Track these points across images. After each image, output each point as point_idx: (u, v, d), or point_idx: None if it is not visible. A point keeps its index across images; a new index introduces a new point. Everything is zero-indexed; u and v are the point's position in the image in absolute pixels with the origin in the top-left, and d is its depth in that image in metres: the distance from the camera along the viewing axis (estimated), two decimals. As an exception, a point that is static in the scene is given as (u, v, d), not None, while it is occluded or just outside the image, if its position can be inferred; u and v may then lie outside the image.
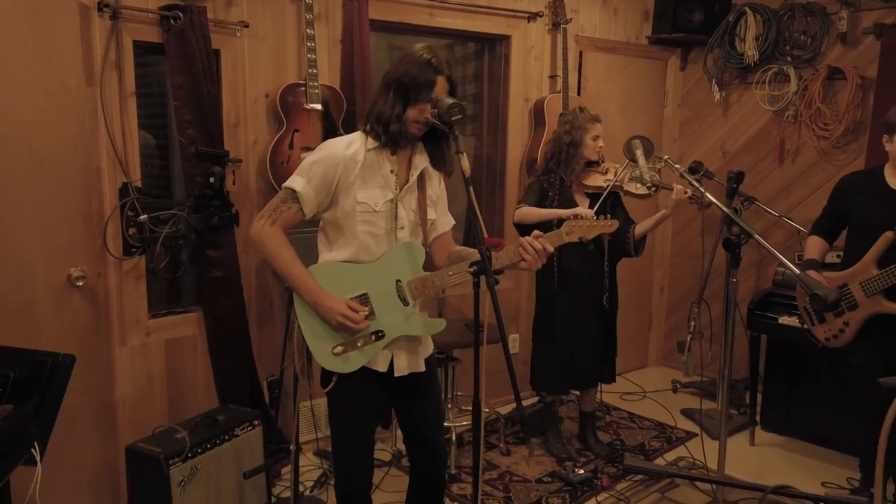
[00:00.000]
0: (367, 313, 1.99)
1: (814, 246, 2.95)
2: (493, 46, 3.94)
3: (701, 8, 4.15)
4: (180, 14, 2.70)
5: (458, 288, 2.09)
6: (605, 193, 3.10)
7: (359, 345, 2.00)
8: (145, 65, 2.87)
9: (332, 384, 2.04)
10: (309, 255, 2.14)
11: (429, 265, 2.11)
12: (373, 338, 2.01)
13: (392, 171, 2.01)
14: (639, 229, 3.26)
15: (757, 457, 3.47)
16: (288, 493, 2.97)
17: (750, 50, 4.01)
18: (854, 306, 2.75)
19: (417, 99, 1.91)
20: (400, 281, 2.02)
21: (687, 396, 4.21)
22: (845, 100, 3.72)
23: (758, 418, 3.70)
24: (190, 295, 3.13)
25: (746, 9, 4.02)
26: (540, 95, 3.92)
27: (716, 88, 4.27)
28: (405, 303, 2.03)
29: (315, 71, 3.03)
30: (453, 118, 1.84)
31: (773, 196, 4.11)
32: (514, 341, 4.08)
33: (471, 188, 1.85)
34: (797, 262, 3.00)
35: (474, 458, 1.87)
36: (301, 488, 2.96)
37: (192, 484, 2.58)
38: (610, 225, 2.19)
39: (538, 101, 3.89)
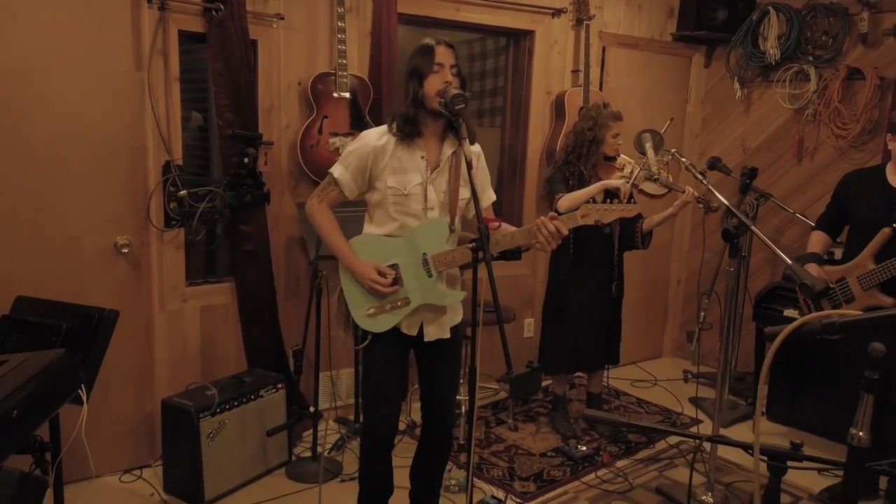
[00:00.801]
0: (393, 278, 2.20)
1: (816, 240, 3.05)
2: (517, 41, 4.09)
3: (725, 6, 4.23)
4: (221, 6, 2.93)
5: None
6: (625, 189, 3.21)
7: (387, 308, 2.23)
8: (188, 52, 3.12)
9: (368, 341, 2.26)
10: (354, 231, 2.36)
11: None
12: (399, 303, 2.23)
13: (423, 157, 2.21)
14: (646, 224, 3.40)
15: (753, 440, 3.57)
16: (307, 454, 3.21)
17: (772, 49, 4.08)
18: (851, 299, 2.84)
19: (426, 73, 2.11)
20: (426, 254, 2.22)
21: (702, 388, 4.31)
22: (863, 99, 3.77)
23: (763, 409, 3.80)
24: (223, 266, 3.38)
25: (770, 8, 4.09)
26: (561, 89, 4.06)
27: (737, 86, 4.34)
28: (430, 274, 2.23)
29: (345, 61, 3.23)
30: (457, 107, 2.03)
31: (791, 193, 4.18)
32: (529, 325, 4.25)
33: (471, 171, 2.04)
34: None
35: (469, 395, 2.06)
36: (320, 449, 3.19)
37: (219, 437, 2.83)
38: (630, 210, 2.31)
39: (559, 94, 4.03)
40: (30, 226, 2.66)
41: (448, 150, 2.24)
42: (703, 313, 3.76)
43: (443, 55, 2.12)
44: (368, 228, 2.32)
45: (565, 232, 2.12)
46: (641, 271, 4.46)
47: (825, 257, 3.08)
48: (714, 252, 4.57)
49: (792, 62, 4.07)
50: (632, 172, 3.27)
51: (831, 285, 2.87)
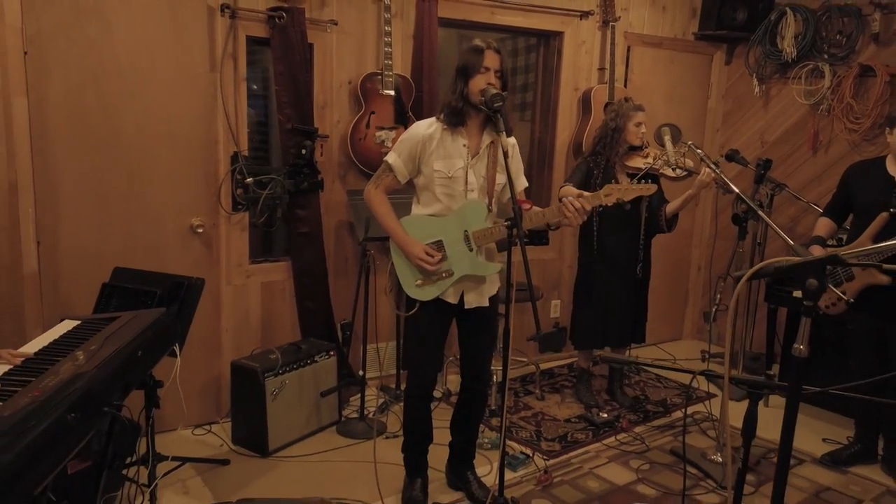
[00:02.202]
0: (440, 258, 2.55)
1: (822, 225, 3.31)
2: (547, 41, 4.40)
3: (745, 7, 4.48)
4: (283, 14, 3.30)
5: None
6: (640, 174, 3.51)
7: (434, 279, 2.57)
8: (253, 54, 3.49)
9: (416, 309, 2.62)
10: (401, 215, 2.70)
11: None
12: (444, 275, 2.58)
13: (465, 146, 2.55)
14: (669, 208, 3.68)
15: (768, 416, 3.84)
16: (355, 415, 3.58)
17: (789, 47, 4.33)
18: (851, 277, 3.11)
19: (474, 72, 2.44)
20: (467, 231, 2.56)
21: (714, 364, 4.59)
22: (874, 95, 4.00)
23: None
24: (281, 247, 3.75)
25: (787, 9, 4.33)
26: (588, 86, 4.36)
27: (756, 82, 4.59)
28: (471, 248, 2.57)
29: (390, 62, 3.58)
30: (495, 104, 2.36)
31: (807, 184, 4.42)
32: (556, 306, 4.57)
33: (507, 160, 2.38)
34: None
35: (503, 363, 2.40)
36: (365, 411, 3.55)
37: (281, 395, 3.21)
38: (648, 189, 2.63)
39: (586, 90, 4.33)
40: (121, 207, 3.07)
41: (487, 139, 2.57)
42: (718, 296, 4.05)
43: (490, 59, 2.45)
44: (416, 209, 2.67)
45: (588, 208, 2.45)
46: (664, 257, 4.74)
47: (832, 242, 3.35)
48: (731, 239, 4.85)
49: (808, 60, 4.31)
50: (655, 158, 3.54)
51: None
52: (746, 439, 1.80)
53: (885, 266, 2.86)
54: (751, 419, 1.78)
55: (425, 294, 2.59)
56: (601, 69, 4.40)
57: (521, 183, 2.73)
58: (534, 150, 4.57)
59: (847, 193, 3.23)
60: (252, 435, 3.21)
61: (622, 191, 2.50)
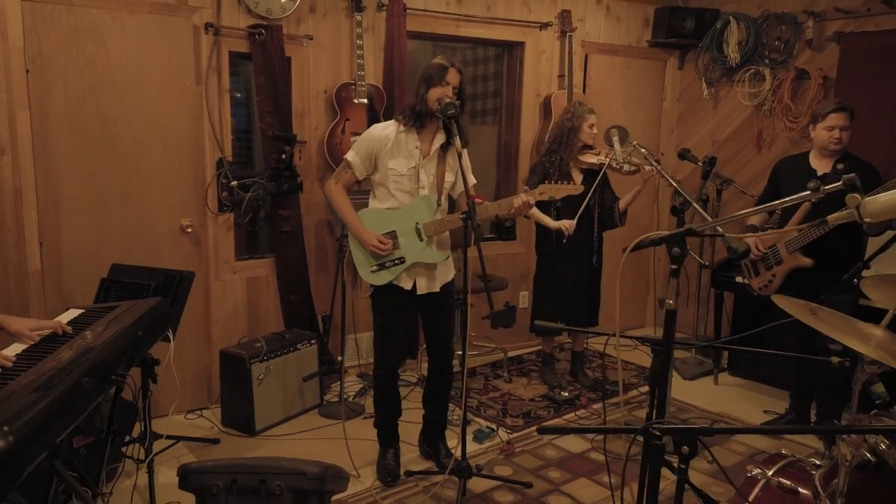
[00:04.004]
0: (390, 246, 2.86)
1: (756, 216, 3.65)
2: (510, 51, 4.73)
3: (693, 16, 4.84)
4: (263, 31, 3.60)
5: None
6: (600, 174, 3.81)
7: (387, 266, 2.88)
8: (236, 67, 3.79)
9: (371, 292, 2.94)
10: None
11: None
12: (396, 261, 2.88)
13: (417, 147, 2.86)
14: (621, 204, 4.01)
15: (717, 392, 4.21)
16: (336, 399, 3.87)
17: (733, 53, 4.69)
18: (780, 261, 3.46)
19: (436, 83, 2.76)
20: (418, 223, 2.87)
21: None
22: (810, 96, 4.37)
23: (725, 365, 4.42)
24: (266, 245, 4.05)
25: (731, 17, 4.69)
26: (549, 91, 4.69)
27: (705, 86, 4.95)
28: (421, 238, 2.88)
29: (363, 73, 3.89)
30: (448, 112, 2.68)
31: (753, 179, 4.77)
32: (524, 298, 4.89)
33: (461, 160, 2.70)
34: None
35: (462, 344, 2.71)
36: (345, 395, 3.85)
37: (266, 380, 3.50)
38: (575, 188, 2.99)
39: (547, 96, 4.66)
40: (117, 210, 3.35)
41: (438, 142, 2.89)
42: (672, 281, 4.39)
43: (452, 76, 2.77)
44: (372, 203, 2.97)
45: (532, 202, 2.79)
46: (622, 248, 5.07)
47: (769, 225, 3.70)
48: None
49: (750, 65, 4.67)
50: (606, 156, 3.88)
51: (763, 249, 3.50)
52: (652, 391, 2.10)
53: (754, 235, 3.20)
54: (656, 375, 2.08)
55: (379, 279, 2.90)
56: (561, 76, 4.73)
57: (471, 180, 3.03)
58: (500, 152, 4.90)
59: (776, 185, 3.58)
60: (240, 417, 3.50)
61: (552, 189, 2.86)
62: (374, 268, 2.89)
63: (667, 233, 1.65)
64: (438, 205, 2.93)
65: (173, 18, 3.40)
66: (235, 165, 3.77)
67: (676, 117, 5.28)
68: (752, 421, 3.73)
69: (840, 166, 3.38)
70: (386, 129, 2.88)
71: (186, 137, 3.51)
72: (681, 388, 4.25)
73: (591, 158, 3.92)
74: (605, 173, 3.87)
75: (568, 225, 3.81)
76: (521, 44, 4.62)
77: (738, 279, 4.06)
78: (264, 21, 3.66)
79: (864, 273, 2.56)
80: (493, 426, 3.58)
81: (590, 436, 3.51)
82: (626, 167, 3.77)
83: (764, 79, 4.60)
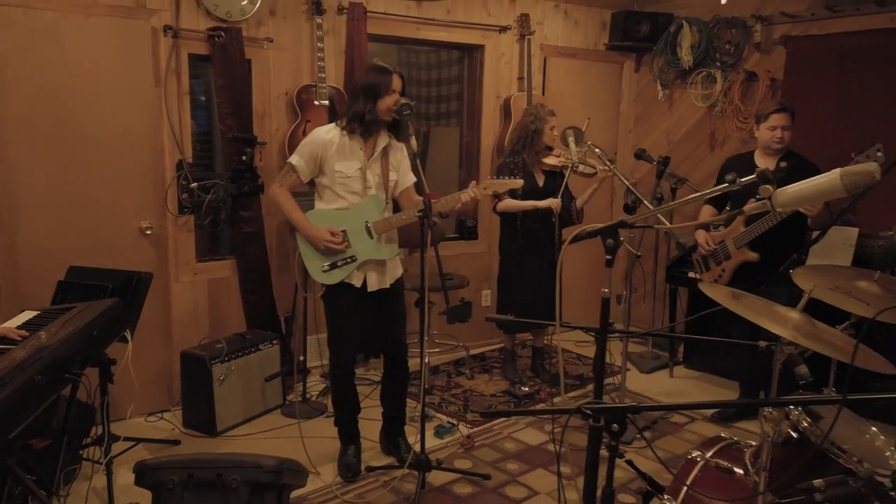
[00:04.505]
0: (342, 238, 2.90)
1: (706, 212, 3.80)
2: (470, 54, 4.81)
3: (648, 20, 4.98)
4: (223, 33, 3.62)
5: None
6: (567, 175, 3.90)
7: (338, 265, 2.93)
8: (196, 69, 3.80)
9: (324, 291, 2.97)
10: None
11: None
12: (348, 260, 2.93)
13: (361, 149, 2.92)
14: (578, 202, 4.11)
15: (672, 384, 4.34)
16: (299, 399, 3.90)
17: (686, 56, 4.83)
18: (728, 256, 3.59)
19: (383, 94, 2.81)
20: (368, 221, 2.93)
21: (631, 343, 5.05)
22: (759, 97, 4.53)
23: (681, 358, 4.55)
24: (227, 246, 4.06)
25: (684, 21, 4.84)
26: (509, 94, 4.78)
27: (660, 88, 5.09)
28: (371, 236, 2.94)
29: (324, 75, 3.93)
30: (404, 113, 2.74)
31: (707, 177, 4.91)
32: (487, 296, 4.97)
33: (417, 160, 2.77)
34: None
35: (420, 340, 2.77)
36: (308, 395, 3.88)
37: (227, 381, 3.52)
38: (514, 183, 3.07)
39: (507, 98, 4.76)
40: (76, 212, 3.35)
41: (381, 144, 2.96)
42: (632, 280, 4.51)
43: (397, 83, 2.84)
44: (319, 206, 3.01)
45: (479, 197, 2.89)
46: (587, 247, 5.17)
47: (712, 225, 3.83)
48: (649, 230, 5.34)
49: (703, 67, 4.82)
50: (566, 157, 3.97)
51: (713, 245, 3.63)
52: (597, 376, 2.18)
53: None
54: (599, 363, 2.16)
55: (331, 278, 2.94)
56: (520, 78, 4.83)
57: (411, 178, 3.11)
58: (462, 153, 4.98)
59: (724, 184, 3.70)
60: (201, 417, 3.51)
61: (496, 185, 2.97)
62: (326, 267, 2.94)
63: (601, 225, 1.73)
64: (386, 203, 2.99)
65: (131, 21, 3.41)
66: (196, 167, 3.78)
67: (633, 118, 5.41)
68: (704, 411, 3.85)
69: (783, 164, 3.52)
70: (329, 133, 2.92)
71: (145, 139, 3.52)
72: (638, 381, 4.36)
73: (552, 160, 4.01)
74: (563, 174, 3.97)
75: (555, 204, 3.87)
76: (481, 47, 4.70)
77: (691, 274, 4.18)
78: (224, 23, 3.68)
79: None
80: (454, 421, 3.64)
81: (547, 428, 3.60)
82: (581, 167, 3.87)
83: (715, 81, 4.75)
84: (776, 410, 1.71)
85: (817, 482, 1.49)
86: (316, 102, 3.93)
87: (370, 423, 3.35)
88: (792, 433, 1.72)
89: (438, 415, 3.75)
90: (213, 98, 3.77)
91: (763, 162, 3.59)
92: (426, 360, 4.16)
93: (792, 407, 1.75)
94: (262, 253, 3.95)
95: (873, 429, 1.87)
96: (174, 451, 3.32)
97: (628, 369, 4.52)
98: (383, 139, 2.97)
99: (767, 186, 1.47)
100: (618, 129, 5.40)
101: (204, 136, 4.00)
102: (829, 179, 1.38)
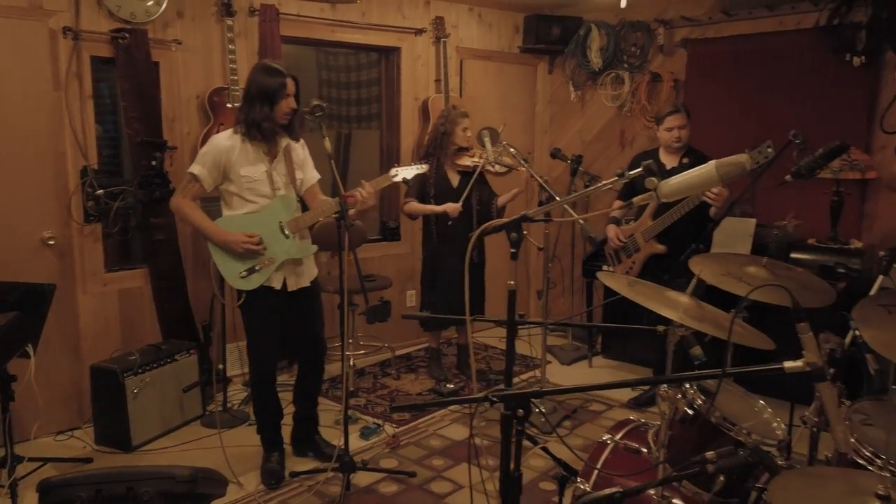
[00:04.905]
0: (259, 239, 2.86)
1: (617, 208, 3.95)
2: (387, 56, 4.84)
3: (559, 24, 5.14)
4: (127, 35, 3.51)
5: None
6: (474, 175, 3.97)
7: (257, 269, 2.89)
8: (101, 71, 3.66)
9: (243, 299, 2.91)
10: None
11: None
12: (266, 263, 2.90)
13: (264, 152, 2.91)
14: (500, 201, 4.20)
15: (591, 374, 4.49)
16: (220, 409, 3.81)
17: (595, 58, 5.02)
18: (638, 249, 3.75)
19: (278, 99, 2.80)
20: (281, 222, 2.91)
21: (552, 337, 5.20)
22: (663, 97, 4.76)
23: (600, 349, 4.72)
24: (138, 255, 3.92)
25: (592, 25, 5.02)
26: (426, 96, 4.83)
27: (572, 89, 5.27)
28: (287, 236, 2.92)
29: (236, 77, 3.86)
30: (316, 115, 2.74)
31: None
32: (412, 297, 4.99)
33: (332, 161, 2.76)
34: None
35: (341, 340, 2.77)
36: (230, 404, 3.80)
37: (142, 394, 3.40)
38: (387, 178, 3.07)
39: (424, 100, 4.80)
40: (-33, 223, 3.15)
41: (282, 144, 2.95)
42: (548, 275, 4.64)
43: (291, 86, 2.83)
44: (227, 213, 2.97)
45: (372, 191, 2.91)
46: (507, 244, 5.29)
47: (624, 220, 3.99)
48: (566, 225, 5.50)
49: (611, 69, 5.01)
50: (480, 157, 4.05)
51: (623, 239, 3.79)
52: (508, 365, 2.24)
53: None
54: (510, 354, 2.22)
55: (250, 283, 2.90)
56: (437, 80, 4.89)
57: (314, 176, 3.12)
58: (382, 155, 4.99)
59: (633, 180, 3.86)
60: (115, 433, 3.38)
61: (379, 181, 3.00)
62: (244, 273, 2.89)
63: (505, 220, 1.78)
64: (297, 202, 2.99)
65: (26, 22, 3.25)
66: (102, 173, 3.64)
67: (548, 119, 5.57)
68: (621, 398, 4.01)
69: (685, 160, 3.71)
70: (229, 139, 2.89)
71: (46, 146, 3.36)
72: (559, 373, 4.50)
73: (465, 161, 4.09)
74: (480, 173, 4.05)
75: (452, 208, 3.93)
76: (398, 49, 4.73)
77: (604, 268, 4.34)
78: (128, 25, 3.57)
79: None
80: (380, 422, 3.65)
81: (473, 423, 3.65)
82: (497, 167, 3.96)
83: (623, 82, 4.95)
84: (671, 390, 1.82)
85: (709, 454, 1.59)
86: (228, 105, 3.86)
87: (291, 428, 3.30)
88: (688, 410, 1.83)
89: (364, 416, 3.75)
90: (119, 102, 3.64)
91: (667, 159, 3.77)
92: (351, 363, 4.20)
93: (688, 386, 1.86)
94: (175, 260, 3.84)
95: (761, 402, 2.01)
96: (85, 469, 3.18)
97: (549, 362, 4.66)
98: (284, 139, 2.96)
99: (653, 179, 1.57)
100: (534, 130, 5.54)
101: (111, 141, 3.85)
102: (706, 171, 1.48)
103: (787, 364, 1.27)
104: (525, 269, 5.70)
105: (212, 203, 3.17)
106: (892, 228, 3.87)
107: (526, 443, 2.61)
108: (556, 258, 4.88)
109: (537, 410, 3.68)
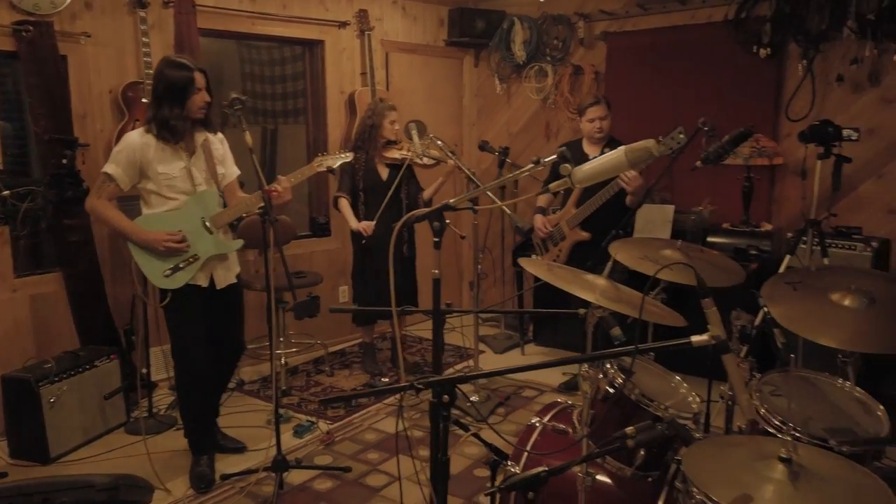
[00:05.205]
0: (182, 236, 2.79)
1: (542, 197, 4.04)
2: (311, 49, 4.77)
3: (482, 17, 5.18)
4: (30, 27, 3.32)
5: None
6: (403, 167, 3.98)
7: (181, 266, 2.81)
8: (5, 66, 3.46)
9: (168, 299, 2.82)
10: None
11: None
12: (190, 260, 2.82)
13: (182, 148, 2.83)
14: (426, 194, 4.21)
15: (523, 362, 4.56)
16: (145, 415, 3.68)
17: (519, 51, 5.09)
18: (563, 237, 3.84)
19: (188, 95, 2.73)
20: (204, 217, 2.84)
21: (485, 327, 5.26)
22: (585, 89, 4.88)
23: (531, 337, 4.81)
24: (52, 258, 3.74)
25: (515, 19, 5.09)
26: (353, 89, 4.79)
27: (498, 82, 5.33)
28: (211, 232, 2.85)
29: (151, 71, 3.71)
30: (236, 108, 2.68)
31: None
32: (344, 292, 4.96)
33: (253, 155, 2.71)
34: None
35: (269, 338, 2.72)
36: (156, 409, 3.68)
37: (60, 403, 3.25)
38: (311, 169, 3.05)
39: (351, 93, 4.76)
40: None
41: (200, 138, 2.89)
42: (479, 266, 4.69)
43: (200, 80, 2.76)
44: (147, 211, 2.88)
45: (288, 185, 2.88)
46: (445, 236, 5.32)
47: (550, 210, 4.08)
48: (496, 217, 5.58)
49: (535, 62, 5.10)
50: (409, 150, 4.05)
51: (549, 228, 3.87)
52: (435, 353, 2.25)
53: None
54: (437, 345, 2.24)
55: (175, 282, 2.82)
56: (363, 73, 4.85)
57: (235, 172, 3.07)
58: (310, 150, 4.91)
59: (555, 169, 3.96)
60: (31, 445, 3.21)
61: (299, 173, 2.98)
62: (168, 271, 2.81)
63: (427, 209, 1.79)
64: (220, 196, 2.92)
65: (-86, 12, 3.04)
66: (8, 173, 3.44)
67: (476, 112, 5.62)
68: (552, 383, 4.10)
69: (607, 150, 3.81)
70: (144, 136, 2.80)
71: (-59, 144, 3.15)
72: (492, 361, 4.56)
73: (394, 154, 4.08)
74: (409, 166, 4.05)
75: (365, 226, 3.95)
76: (321, 42, 4.67)
77: (533, 257, 4.42)
78: (32, 17, 3.38)
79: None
80: (314, 419, 3.61)
81: (407, 415, 3.67)
82: (425, 160, 3.97)
83: (547, 75, 5.05)
84: (593, 370, 1.88)
85: (629, 429, 1.65)
86: (144, 100, 3.71)
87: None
88: (609, 389, 1.89)
89: (297, 415, 3.70)
90: (25, 98, 3.45)
91: (590, 149, 3.88)
92: (283, 362, 4.14)
93: (609, 366, 1.93)
94: (92, 263, 3.67)
95: (677, 378, 2.10)
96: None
97: (483, 351, 4.72)
98: (201, 133, 2.89)
99: (566, 165, 1.61)
100: (462, 122, 5.58)
101: (18, 139, 3.64)
102: (616, 156, 1.54)
103: (695, 338, 1.33)
104: (457, 262, 5.75)
105: (131, 202, 3.06)
106: (798, 211, 4.09)
107: (459, 431, 2.65)
108: (487, 250, 4.94)
109: (469, 401, 3.73)
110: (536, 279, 4.66)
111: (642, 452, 1.89)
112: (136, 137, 2.79)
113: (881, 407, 1.96)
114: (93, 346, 3.62)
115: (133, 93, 3.72)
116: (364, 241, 4.07)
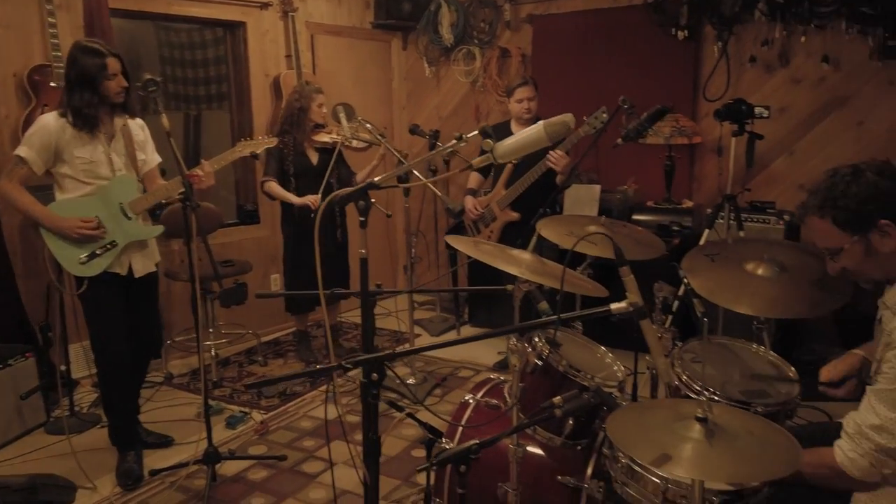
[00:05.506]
0: (97, 223, 2.68)
1: (472, 179, 4.07)
2: (233, 31, 4.62)
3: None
4: (-81, 4, 3.09)
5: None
6: (335, 151, 3.90)
7: (98, 253, 2.69)
8: None
9: (85, 287, 2.70)
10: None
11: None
12: (108, 246, 2.71)
13: (100, 132, 2.71)
14: (359, 177, 4.16)
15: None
16: (67, 413, 3.52)
17: (447, 34, 5.09)
18: (494, 218, 3.89)
19: (101, 80, 2.61)
20: (122, 203, 2.73)
21: (421, 311, 5.27)
22: (513, 72, 4.92)
23: (467, 318, 4.86)
24: (-45, 253, 3.51)
25: (442, 1, 5.08)
26: (278, 72, 4.68)
27: (426, 65, 5.31)
28: (129, 217, 2.75)
29: (59, 53, 3.52)
30: (150, 89, 2.57)
31: (475, 148, 5.23)
32: (276, 281, 4.86)
33: (171, 139, 2.61)
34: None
35: (196, 331, 2.64)
36: (78, 407, 3.52)
37: (-30, 405, 3.07)
38: (233, 153, 2.99)
39: (276, 77, 4.64)
40: None
41: (119, 123, 2.78)
42: (413, 249, 4.69)
43: (114, 65, 2.64)
44: (61, 197, 2.75)
45: (210, 171, 2.82)
46: (374, 223, 5.27)
47: (481, 192, 4.11)
48: (429, 202, 5.58)
49: (463, 45, 5.11)
50: (338, 134, 3.99)
51: (480, 209, 3.90)
52: (365, 335, 2.23)
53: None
54: (368, 336, 2.21)
55: (92, 269, 2.71)
56: (288, 56, 4.74)
57: (156, 159, 2.98)
58: (234, 136, 4.78)
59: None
60: (-59, 452, 3.03)
61: (220, 158, 2.91)
62: (84, 258, 2.69)
63: (352, 188, 1.77)
64: (139, 181, 2.83)
65: None
66: None
67: (405, 95, 5.59)
68: (487, 363, 4.16)
69: (534, 130, 3.87)
70: (59, 119, 2.67)
71: None
72: (429, 344, 4.57)
73: (324, 137, 4.01)
74: (340, 150, 3.99)
75: (313, 199, 3.86)
76: (243, 24, 4.53)
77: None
78: (-80, -7, 3.14)
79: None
80: (247, 410, 3.54)
81: (343, 400, 3.65)
82: (355, 143, 3.92)
83: (475, 58, 5.07)
84: (520, 343, 1.91)
85: (556, 399, 1.69)
86: (52, 84, 3.52)
87: (148, 426, 3.13)
88: (537, 362, 1.93)
89: (230, 406, 3.62)
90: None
91: (518, 130, 3.90)
92: (213, 353, 4.03)
93: (536, 339, 1.96)
94: (1, 257, 3.47)
95: (603, 349, 2.17)
96: None
97: (419, 335, 4.74)
98: (121, 118, 2.78)
99: (488, 140, 1.62)
100: (392, 106, 5.54)
101: None
102: (535, 130, 1.56)
103: (614, 305, 1.37)
104: (390, 246, 5.72)
105: (45, 192, 2.89)
106: (716, 188, 4.27)
107: (396, 413, 2.64)
108: (421, 233, 4.94)
109: (405, 383, 3.74)
110: (468, 258, 4.74)
111: (571, 422, 1.94)
112: (52, 120, 2.65)
113: (793, 369, 2.07)
114: (5, 343, 3.43)
115: (40, 76, 3.52)
116: (299, 225, 3.98)
